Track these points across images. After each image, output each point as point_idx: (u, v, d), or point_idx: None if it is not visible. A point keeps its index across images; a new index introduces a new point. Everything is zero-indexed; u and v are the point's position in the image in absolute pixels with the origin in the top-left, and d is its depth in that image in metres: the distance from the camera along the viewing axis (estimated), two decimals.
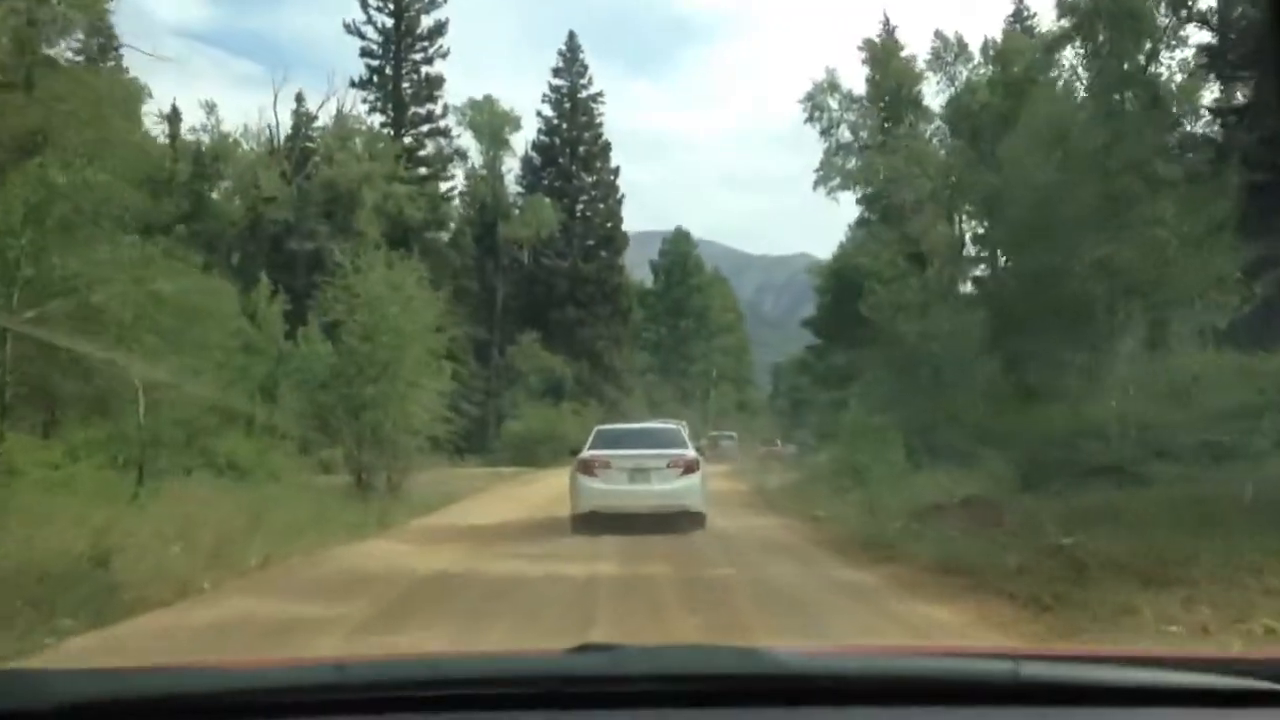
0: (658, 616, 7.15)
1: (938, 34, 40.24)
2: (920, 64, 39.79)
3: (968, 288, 48.27)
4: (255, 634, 6.86)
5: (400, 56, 49.21)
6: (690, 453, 14.28)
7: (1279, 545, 6.93)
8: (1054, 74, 39.52)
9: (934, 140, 40.63)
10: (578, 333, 52.61)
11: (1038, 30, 38.53)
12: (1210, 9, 28.17)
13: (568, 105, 55.93)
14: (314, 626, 6.97)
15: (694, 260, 70.58)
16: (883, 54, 39.91)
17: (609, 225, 55.84)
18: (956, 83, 39.82)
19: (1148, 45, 27.27)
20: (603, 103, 56.42)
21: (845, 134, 39.05)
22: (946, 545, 8.84)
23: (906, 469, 12.56)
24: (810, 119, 38.75)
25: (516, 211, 54.21)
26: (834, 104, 38.77)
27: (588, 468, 13.92)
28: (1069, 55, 37.37)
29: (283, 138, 49.35)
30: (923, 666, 1.65)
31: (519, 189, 55.87)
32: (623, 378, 55.00)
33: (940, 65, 39.67)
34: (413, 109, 50.14)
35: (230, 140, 50.13)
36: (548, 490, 22.52)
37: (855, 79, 41.81)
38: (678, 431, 16.04)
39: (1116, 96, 28.05)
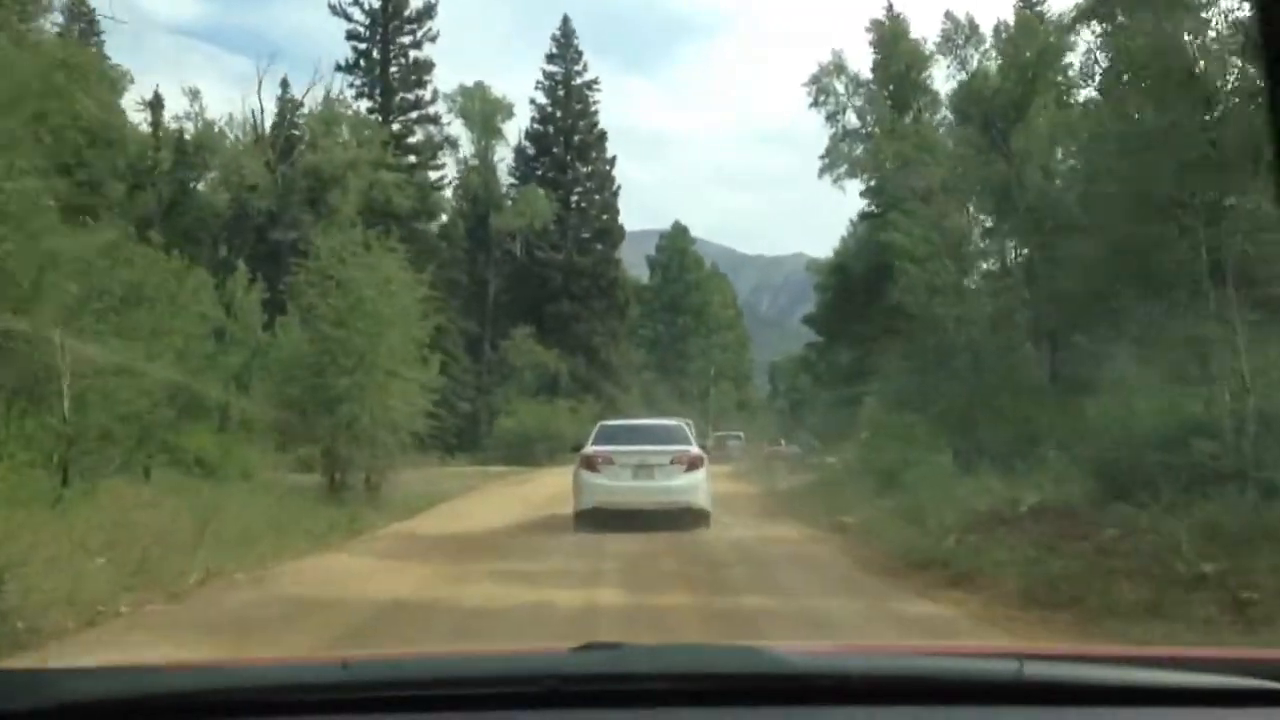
0: None
1: (948, 15, 38.62)
2: (930, 47, 38.15)
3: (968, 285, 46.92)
4: None
5: (388, 40, 47.45)
6: (694, 449, 14.02)
7: None
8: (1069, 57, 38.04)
9: (941, 128, 39.09)
10: (573, 327, 50.87)
11: (1049, 15, 37.03)
12: None
13: (562, 92, 54.18)
14: None
15: (692, 256, 68.83)
16: (890, 36, 38.19)
17: (605, 217, 54.08)
18: (968, 67, 38.21)
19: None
20: (598, 90, 54.76)
21: (852, 119, 37.46)
22: (1031, 567, 7.13)
23: (952, 471, 10.89)
24: (815, 103, 37.14)
25: (509, 203, 52.45)
26: (840, 87, 37.11)
27: (591, 463, 13.71)
28: (1086, 36, 35.78)
29: (269, 126, 47.78)
30: (926, 666, 1.65)
31: (512, 180, 54.17)
32: (620, 374, 53.26)
33: (950, 48, 38.01)
34: (401, 94, 48.38)
35: (215, 129, 48.57)
36: (540, 492, 20.82)
37: (862, 65, 39.90)
38: (681, 428, 15.54)
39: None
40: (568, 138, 54.02)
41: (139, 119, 47.48)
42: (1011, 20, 38.26)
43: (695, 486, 13.39)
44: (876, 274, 52.38)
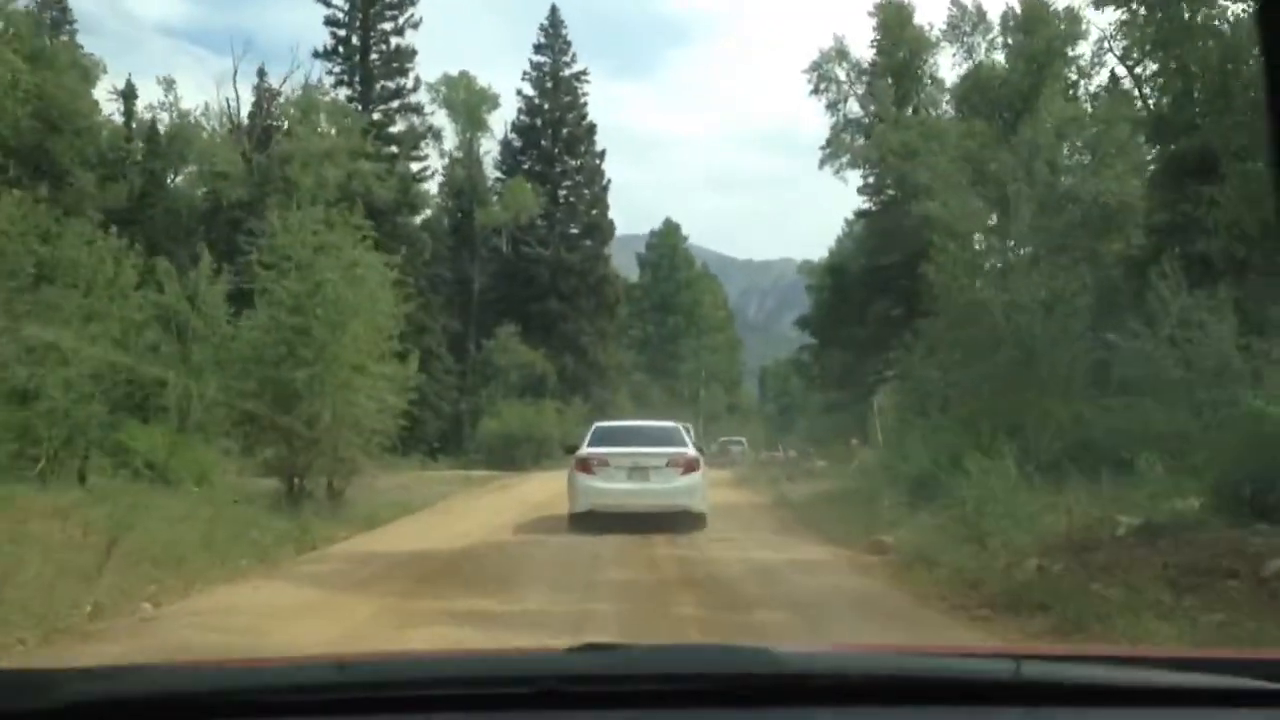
0: None
1: (954, 1, 36.90)
2: (935, 34, 36.46)
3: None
4: None
5: (368, 25, 45.42)
6: (690, 451, 13.86)
7: None
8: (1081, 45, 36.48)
9: (943, 118, 37.39)
10: (560, 326, 48.93)
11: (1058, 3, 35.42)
12: None
13: (550, 84, 52.24)
14: None
15: (683, 254, 66.94)
16: (894, 22, 36.44)
17: (594, 212, 52.13)
18: (975, 55, 36.54)
19: None
20: (587, 81, 52.82)
21: (854, 108, 35.71)
22: (1178, 615, 5.24)
23: (1015, 481, 9.06)
24: (816, 90, 35.44)
25: (495, 198, 50.50)
26: (842, 74, 35.34)
27: (586, 466, 13.55)
28: (1100, 22, 34.23)
29: (245, 116, 45.82)
30: (924, 666, 1.66)
31: (498, 175, 52.20)
32: (608, 375, 51.32)
33: (957, 36, 36.32)
34: (381, 83, 46.33)
35: (190, 120, 46.76)
36: (522, 500, 18.93)
37: (864, 54, 38.11)
38: (678, 429, 15.20)
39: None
40: (555, 130, 52.11)
41: (112, 109, 45.71)
42: (1019, 8, 36.83)
43: (691, 489, 13.25)
44: (873, 274, 51.09)
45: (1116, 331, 11.85)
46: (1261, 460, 6.68)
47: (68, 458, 15.33)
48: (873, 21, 36.36)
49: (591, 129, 52.67)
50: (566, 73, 52.46)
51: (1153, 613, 5.38)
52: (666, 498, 13.15)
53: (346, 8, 45.24)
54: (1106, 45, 34.38)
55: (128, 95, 48.23)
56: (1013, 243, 14.65)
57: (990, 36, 35.51)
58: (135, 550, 10.05)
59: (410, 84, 46.61)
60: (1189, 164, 20.71)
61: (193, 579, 9.46)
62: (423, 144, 47.87)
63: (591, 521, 12.75)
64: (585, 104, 52.75)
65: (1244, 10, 24.11)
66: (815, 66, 35.40)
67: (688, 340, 65.34)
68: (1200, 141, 21.45)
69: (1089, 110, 35.71)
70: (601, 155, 53.04)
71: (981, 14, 36.39)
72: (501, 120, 52.40)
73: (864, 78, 35.83)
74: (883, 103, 34.75)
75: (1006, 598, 6.55)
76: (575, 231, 52.13)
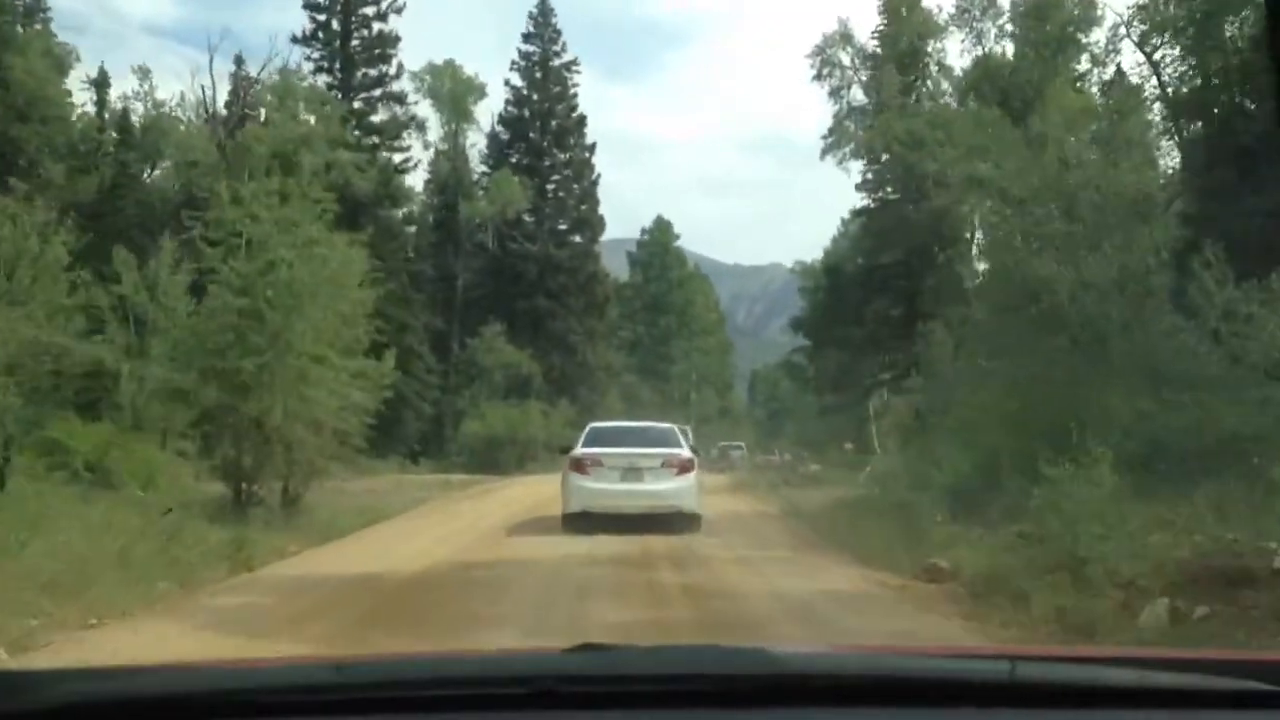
0: None
1: None
2: (943, 18, 34.78)
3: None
4: None
5: (349, 9, 43.49)
6: (685, 452, 13.84)
7: None
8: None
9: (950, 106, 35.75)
10: (547, 325, 47.08)
11: None
12: None
13: (539, 74, 50.40)
14: None
15: (675, 253, 65.10)
16: (900, 4, 34.73)
17: (583, 207, 50.31)
18: (984, 41, 34.92)
19: None
20: (577, 71, 51.00)
21: (858, 96, 33.97)
22: None
23: (1114, 490, 7.29)
24: (819, 76, 33.70)
25: (481, 192, 48.61)
26: (846, 59, 33.58)
27: (580, 466, 13.50)
28: (1118, 5, 32.70)
29: (222, 105, 43.89)
30: (921, 667, 1.65)
31: (484, 168, 50.29)
32: (597, 376, 49.47)
33: (966, 21, 34.68)
34: (363, 70, 44.38)
35: (166, 109, 44.96)
36: (502, 508, 17.12)
37: (870, 41, 36.32)
38: (672, 430, 15.12)
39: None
40: (544, 122, 50.27)
41: (86, 99, 44.06)
42: None
43: (686, 490, 13.26)
44: (870, 274, 49.43)
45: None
46: None
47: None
48: (877, 4, 34.62)
49: (581, 121, 50.90)
50: (556, 63, 50.67)
51: None
52: (661, 499, 13.11)
53: None
54: (1123, 31, 32.93)
55: (100, 84, 46.47)
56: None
57: (1000, 22, 33.88)
58: (29, 571, 8.24)
59: (393, 71, 44.73)
60: (1224, 149, 19.13)
61: (90, 609, 7.64)
62: (406, 135, 45.95)
63: (583, 527, 12.53)
64: (575, 95, 51.00)
65: None
66: (818, 51, 33.76)
67: (679, 342, 63.51)
68: (1236, 124, 19.86)
69: (1101, 100, 34.15)
70: (592, 149, 51.29)
71: None
72: (488, 113, 50.74)
73: (868, 64, 34.09)
74: (888, 89, 33.00)
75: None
76: (564, 227, 50.33)
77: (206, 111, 43.74)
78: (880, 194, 49.42)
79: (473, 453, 36.56)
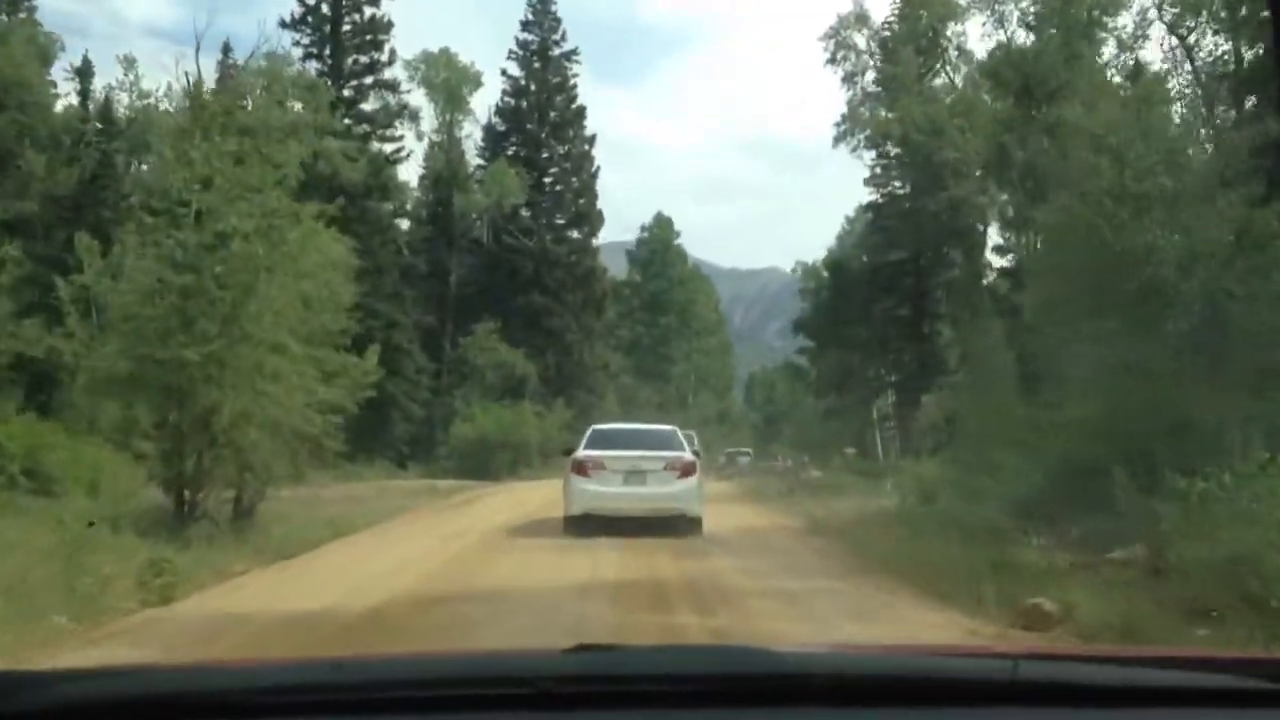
0: None
1: None
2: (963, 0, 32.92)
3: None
4: None
5: None
6: (687, 455, 13.79)
7: None
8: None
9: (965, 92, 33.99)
10: (543, 322, 45.17)
11: None
12: None
13: (537, 63, 48.53)
14: None
15: (676, 251, 63.19)
16: None
17: (582, 201, 48.39)
18: (1007, 25, 33.11)
19: None
20: (578, 61, 49.11)
21: (872, 83, 32.10)
22: None
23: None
24: (833, 60, 31.83)
25: (477, 186, 46.70)
26: (862, 41, 31.71)
27: (581, 468, 13.45)
28: None
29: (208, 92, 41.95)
30: (922, 666, 1.64)
31: (480, 161, 48.38)
32: (594, 377, 47.57)
33: (988, 3, 32.85)
34: (354, 57, 42.53)
35: (151, 100, 43.38)
36: (490, 518, 15.28)
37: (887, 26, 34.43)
38: (674, 433, 15.06)
39: None
40: (542, 113, 48.38)
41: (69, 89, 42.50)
42: None
43: (688, 493, 13.23)
44: (877, 272, 47.60)
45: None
46: None
47: None
48: None
49: (581, 113, 49.02)
50: (555, 52, 48.79)
51: None
52: (662, 502, 13.06)
53: None
54: (1152, 15, 31.23)
55: (84, 74, 44.79)
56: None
57: (1023, 4, 32.07)
58: None
59: (385, 58, 42.85)
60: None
61: None
62: (398, 124, 44.08)
63: (586, 530, 12.39)
64: (575, 86, 49.11)
65: None
66: (832, 33, 31.88)
67: (679, 342, 61.62)
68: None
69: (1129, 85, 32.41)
70: (591, 141, 49.42)
71: None
72: (484, 105, 48.90)
73: (884, 48, 32.24)
74: (906, 72, 31.16)
75: None
76: (561, 222, 48.47)
77: (188, 96, 41.89)
78: (889, 189, 47.77)
79: (463, 457, 34.66)
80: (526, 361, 42.78)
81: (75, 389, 20.56)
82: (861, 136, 32.35)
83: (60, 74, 42.62)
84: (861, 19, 31.97)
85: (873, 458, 53.20)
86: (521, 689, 1.44)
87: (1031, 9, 32.28)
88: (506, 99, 48.70)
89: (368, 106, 42.98)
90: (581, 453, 13.71)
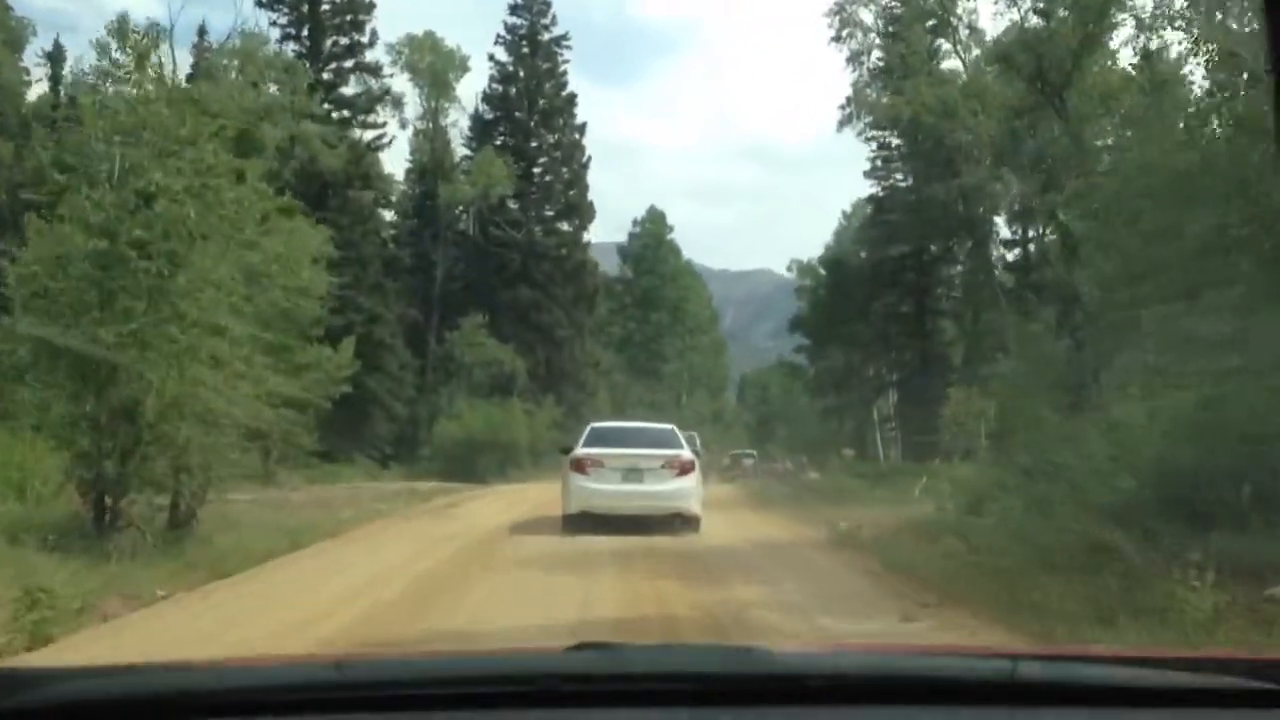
0: None
1: None
2: None
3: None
4: None
5: None
6: (686, 453, 13.73)
7: None
8: None
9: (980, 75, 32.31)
10: (532, 318, 43.33)
11: None
12: None
13: (526, 49, 46.68)
14: None
15: (669, 245, 61.36)
16: None
17: (572, 192, 46.55)
18: (1019, 3, 31.39)
19: None
20: (568, 47, 47.29)
21: (878, 59, 30.35)
22: None
23: None
24: (838, 38, 30.04)
25: (463, 176, 44.84)
26: (869, 16, 29.93)
27: (580, 466, 13.37)
28: None
29: (184, 77, 39.99)
30: (921, 666, 1.66)
31: (467, 152, 46.50)
32: (585, 374, 45.76)
33: None
34: (334, 38, 40.65)
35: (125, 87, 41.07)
36: (469, 528, 13.44)
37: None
38: (672, 431, 14.92)
39: None
40: (532, 100, 46.54)
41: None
42: None
43: (686, 492, 13.21)
44: (878, 268, 45.92)
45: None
46: None
47: None
48: None
49: (571, 100, 47.20)
50: (545, 37, 46.94)
51: None
52: (660, 500, 13.01)
53: None
54: None
55: (55, 59, 42.95)
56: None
57: None
58: None
59: (366, 39, 41.02)
60: None
61: None
62: (380, 109, 42.25)
63: (585, 528, 12.28)
64: (565, 73, 47.28)
65: None
66: (837, 9, 30.08)
67: (673, 339, 59.79)
68: None
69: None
70: (582, 129, 47.60)
71: None
72: (471, 93, 47.16)
73: (892, 26, 30.49)
74: (916, 50, 29.41)
75: None
76: (551, 213, 46.64)
77: (164, 84, 39.92)
78: (890, 181, 46.13)
79: (447, 457, 32.81)
80: (515, 358, 40.98)
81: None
82: (867, 120, 30.57)
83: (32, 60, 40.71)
84: None
85: (872, 459, 51.68)
86: (523, 687, 1.44)
87: None
88: (494, 86, 46.93)
89: (348, 91, 41.19)
90: (580, 450, 13.63)
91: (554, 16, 46.89)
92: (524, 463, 34.35)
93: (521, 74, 46.54)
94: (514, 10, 46.95)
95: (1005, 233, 39.22)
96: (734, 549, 10.65)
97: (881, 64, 30.66)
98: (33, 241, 11.04)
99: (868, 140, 44.26)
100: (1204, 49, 11.83)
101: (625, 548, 10.11)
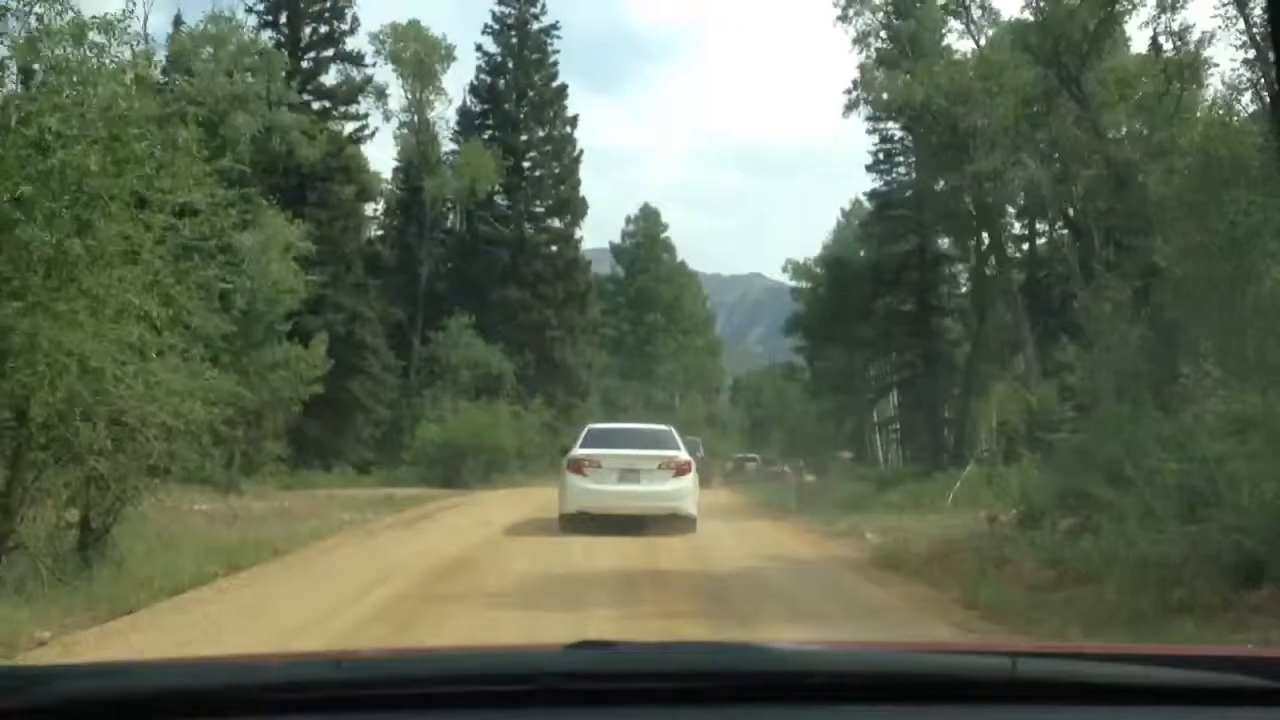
0: None
1: None
2: None
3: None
4: None
5: None
6: (682, 454, 13.82)
7: None
8: None
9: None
10: (521, 318, 41.51)
11: None
12: None
13: (514, 39, 44.90)
14: None
15: (663, 243, 59.53)
16: None
17: (563, 186, 44.73)
18: None
19: None
20: (558, 37, 45.49)
21: (887, 39, 28.64)
22: None
23: None
24: (844, 17, 28.30)
25: (449, 171, 43.04)
26: None
27: (578, 467, 13.52)
28: None
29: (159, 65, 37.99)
30: (921, 663, 1.65)
31: (454, 147, 44.68)
32: (577, 376, 43.92)
33: None
34: (313, 25, 38.84)
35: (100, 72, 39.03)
36: (439, 546, 11.62)
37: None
38: (670, 432, 14.98)
39: None
40: (521, 92, 44.74)
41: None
42: None
43: (682, 492, 13.31)
44: (880, 266, 44.24)
45: None
46: None
47: None
48: None
49: (562, 91, 45.40)
50: (535, 26, 45.14)
51: None
52: (657, 500, 13.10)
53: None
54: None
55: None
56: None
57: None
58: None
59: (347, 27, 39.21)
60: None
61: None
62: (362, 100, 40.43)
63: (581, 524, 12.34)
64: (555, 63, 45.47)
65: None
66: None
67: (667, 340, 57.94)
68: None
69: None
70: (573, 122, 45.76)
71: None
72: (458, 87, 45.33)
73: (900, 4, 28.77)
74: (929, 28, 27.71)
75: None
76: (541, 209, 44.83)
77: (135, 67, 37.96)
78: (894, 176, 44.49)
79: (431, 462, 30.94)
80: (503, 359, 39.19)
81: None
82: (872, 102, 28.79)
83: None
84: None
85: (871, 462, 50.09)
86: (523, 685, 1.43)
87: None
88: (482, 77, 45.11)
89: (328, 80, 39.39)
90: (577, 451, 13.77)
91: (543, 5, 45.16)
92: (511, 467, 32.56)
93: (510, 64, 44.76)
94: None
95: (1015, 225, 37.74)
96: (758, 572, 8.86)
97: (889, 45, 28.92)
98: None
99: (871, 132, 42.95)
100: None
101: (628, 572, 8.34)
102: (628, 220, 59.65)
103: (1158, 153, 26.80)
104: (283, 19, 38.42)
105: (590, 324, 46.90)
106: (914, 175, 41.88)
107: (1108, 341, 10.27)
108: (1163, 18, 30.69)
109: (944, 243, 42.51)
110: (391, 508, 18.06)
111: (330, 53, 39.27)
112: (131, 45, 9.42)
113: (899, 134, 41.36)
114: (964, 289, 43.95)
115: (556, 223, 44.94)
